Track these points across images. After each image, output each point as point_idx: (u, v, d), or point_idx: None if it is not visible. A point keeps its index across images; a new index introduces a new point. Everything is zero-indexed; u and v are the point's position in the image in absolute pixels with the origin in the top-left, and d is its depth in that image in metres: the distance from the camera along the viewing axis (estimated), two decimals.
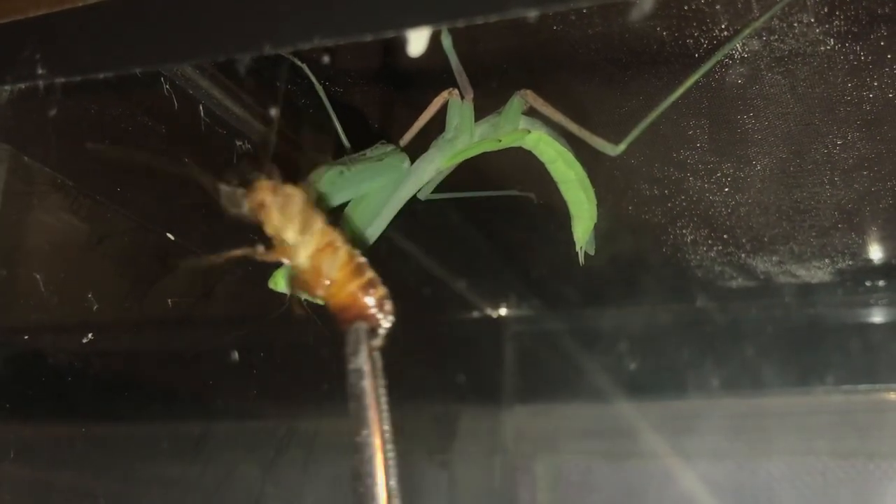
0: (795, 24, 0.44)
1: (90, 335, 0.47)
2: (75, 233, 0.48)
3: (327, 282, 0.35)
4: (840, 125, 0.53)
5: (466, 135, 0.50)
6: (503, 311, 0.95)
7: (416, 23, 0.33)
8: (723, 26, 0.45)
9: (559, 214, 0.54)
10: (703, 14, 0.44)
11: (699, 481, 0.86)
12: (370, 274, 0.36)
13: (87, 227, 0.48)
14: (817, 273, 0.76)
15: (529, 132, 0.51)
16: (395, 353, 0.77)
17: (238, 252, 0.36)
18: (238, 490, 0.60)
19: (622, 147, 0.50)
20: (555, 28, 0.46)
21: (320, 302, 0.38)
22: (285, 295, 0.49)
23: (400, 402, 0.81)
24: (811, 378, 0.84)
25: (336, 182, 0.47)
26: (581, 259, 0.54)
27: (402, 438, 0.82)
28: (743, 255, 0.72)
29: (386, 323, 0.35)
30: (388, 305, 0.36)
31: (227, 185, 0.36)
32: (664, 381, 0.88)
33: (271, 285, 0.48)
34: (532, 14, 0.33)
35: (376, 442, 0.33)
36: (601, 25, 0.46)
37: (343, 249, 0.35)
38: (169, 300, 0.53)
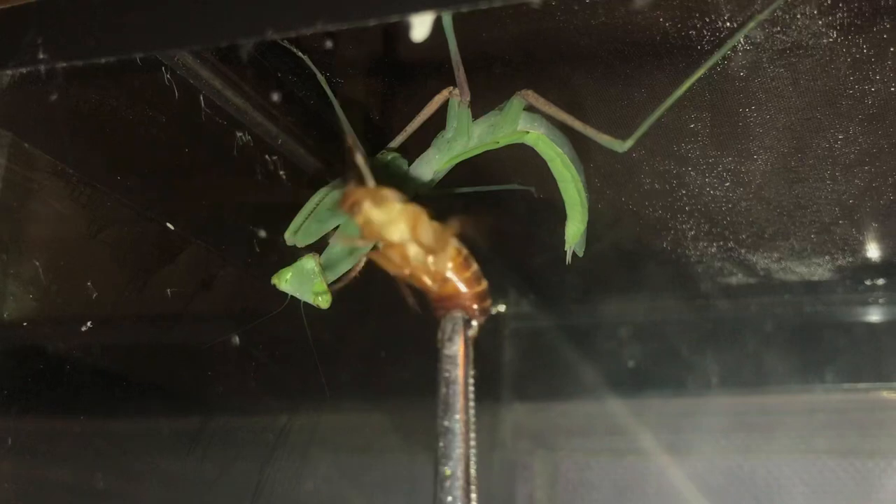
0: (798, 16, 0.44)
1: (89, 323, 0.47)
2: (75, 221, 0.48)
3: (439, 276, 0.35)
4: (842, 119, 0.53)
5: (464, 138, 0.50)
6: (502, 308, 0.95)
7: (420, 7, 0.33)
8: (726, 17, 0.45)
9: (559, 210, 0.54)
10: (707, 5, 0.44)
11: (697, 479, 0.86)
12: (475, 267, 0.36)
13: (87, 215, 0.48)
14: (817, 270, 0.75)
15: (528, 133, 0.50)
16: (395, 350, 0.77)
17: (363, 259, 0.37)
18: (236, 484, 0.60)
19: (629, 143, 0.50)
20: (557, 17, 0.46)
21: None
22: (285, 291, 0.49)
23: (400, 398, 0.81)
24: (810, 376, 0.84)
25: (335, 207, 0.47)
26: (568, 259, 0.54)
27: (402, 434, 0.82)
28: (743, 251, 0.72)
29: (483, 316, 0.36)
30: (489, 300, 0.36)
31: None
32: (663, 379, 0.87)
33: (274, 281, 0.48)
34: (535, 0, 0.33)
35: (462, 428, 0.34)
36: (604, 16, 0.46)
37: (452, 245, 0.36)
38: (168, 290, 0.52)
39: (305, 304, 0.49)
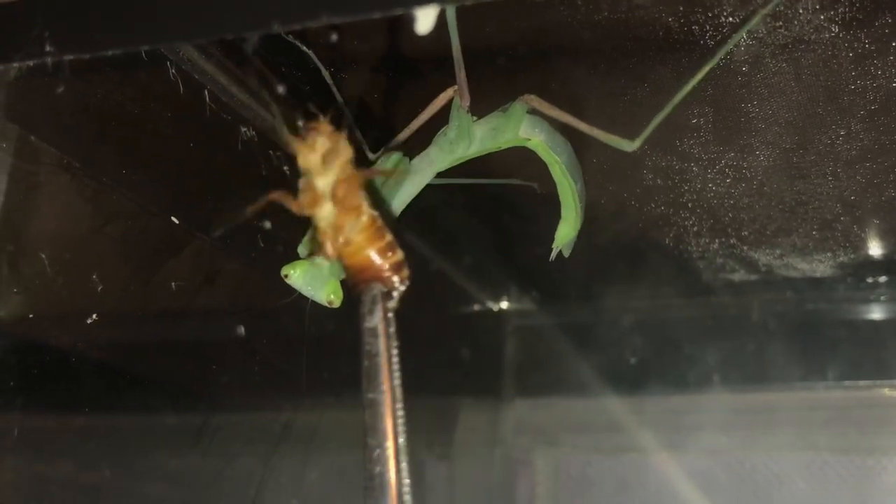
0: (801, 11, 0.44)
1: (94, 316, 0.47)
2: (80, 214, 0.48)
3: (343, 241, 0.36)
4: (844, 115, 0.53)
5: (465, 142, 0.50)
6: (504, 305, 0.95)
7: (424, 1, 0.34)
8: (728, 12, 0.45)
9: (560, 207, 0.54)
10: (709, 0, 0.45)
11: (698, 476, 0.87)
12: (389, 238, 0.36)
13: (93, 208, 0.48)
14: (819, 267, 0.76)
15: (529, 139, 0.51)
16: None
17: (270, 197, 0.37)
18: (238, 481, 0.60)
19: (638, 143, 0.50)
20: (561, 11, 0.47)
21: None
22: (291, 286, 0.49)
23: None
24: (812, 373, 0.84)
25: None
26: (552, 256, 0.55)
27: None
28: (745, 248, 0.72)
29: (402, 286, 0.36)
30: (405, 270, 0.36)
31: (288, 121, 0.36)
32: (664, 376, 0.88)
33: (285, 272, 0.48)
34: None
35: (387, 400, 0.34)
36: (607, 11, 0.46)
37: (367, 213, 0.36)
38: (173, 284, 0.53)
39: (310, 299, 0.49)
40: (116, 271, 0.50)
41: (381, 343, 0.34)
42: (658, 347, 0.89)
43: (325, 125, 0.35)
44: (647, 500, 0.89)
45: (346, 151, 0.35)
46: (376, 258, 0.36)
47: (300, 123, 0.35)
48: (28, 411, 0.46)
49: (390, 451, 0.33)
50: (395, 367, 0.34)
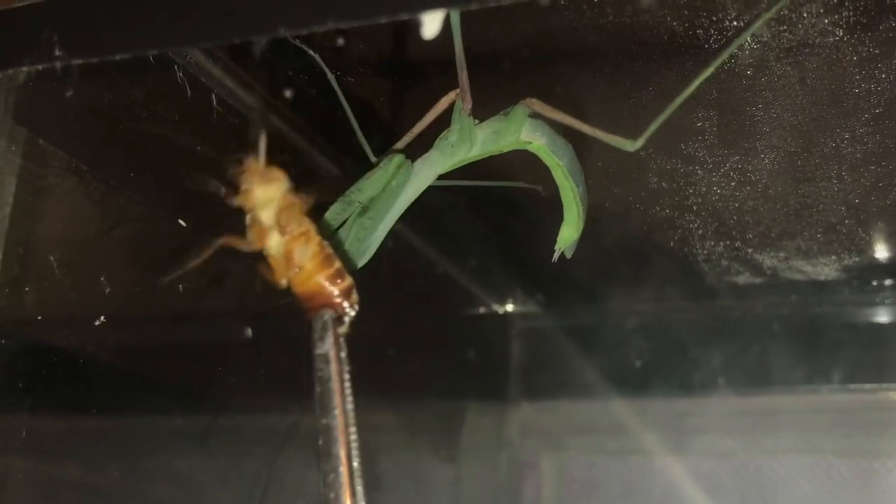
0: (805, 14, 0.45)
1: (102, 318, 0.48)
2: (89, 217, 0.48)
3: (296, 270, 0.36)
4: (848, 118, 0.53)
5: (466, 145, 0.50)
6: (509, 308, 0.96)
7: (430, 5, 0.34)
8: (733, 16, 0.45)
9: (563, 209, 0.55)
10: (714, 4, 0.45)
11: (703, 478, 0.87)
12: (338, 264, 0.37)
13: (101, 211, 0.48)
14: (824, 270, 0.76)
15: (530, 143, 0.51)
16: (403, 349, 0.77)
17: (221, 242, 0.38)
18: (244, 482, 0.60)
19: (640, 143, 0.50)
20: (565, 14, 0.47)
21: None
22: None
23: (407, 397, 0.81)
24: (816, 376, 0.84)
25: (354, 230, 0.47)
26: (555, 258, 0.55)
27: (409, 433, 0.82)
28: (750, 251, 0.72)
29: (351, 311, 0.37)
30: (354, 295, 0.37)
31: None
32: (669, 379, 0.88)
33: None
34: None
35: (340, 424, 0.34)
36: (612, 15, 0.46)
37: (314, 240, 0.37)
38: (180, 286, 0.53)
39: None
40: (124, 273, 0.51)
41: (333, 368, 0.35)
42: (663, 350, 0.89)
43: (253, 164, 0.36)
44: (653, 501, 0.89)
45: (280, 183, 0.36)
46: (326, 284, 0.36)
47: (231, 171, 0.36)
48: (36, 412, 0.46)
49: (344, 476, 0.34)
50: (348, 392, 0.35)
